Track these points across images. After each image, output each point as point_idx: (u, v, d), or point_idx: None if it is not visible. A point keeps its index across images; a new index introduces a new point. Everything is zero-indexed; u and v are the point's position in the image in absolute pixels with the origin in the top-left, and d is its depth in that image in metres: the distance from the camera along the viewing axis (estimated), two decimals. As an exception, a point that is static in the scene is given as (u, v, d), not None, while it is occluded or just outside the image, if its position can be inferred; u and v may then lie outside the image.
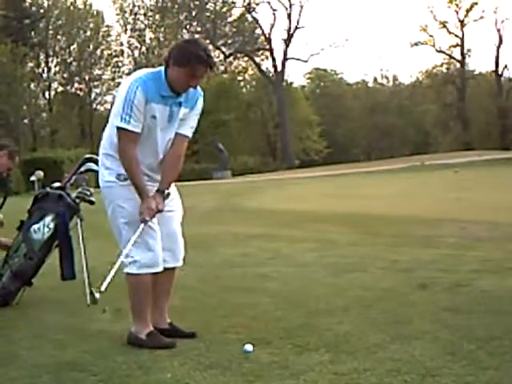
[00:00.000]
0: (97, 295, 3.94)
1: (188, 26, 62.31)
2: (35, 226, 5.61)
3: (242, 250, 8.86)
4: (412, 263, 7.21)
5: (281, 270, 7.20)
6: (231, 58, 63.72)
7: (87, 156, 5.84)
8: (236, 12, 62.68)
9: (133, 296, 4.37)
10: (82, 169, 5.75)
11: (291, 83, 66.79)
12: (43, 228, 5.58)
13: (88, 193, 5.72)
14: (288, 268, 7.32)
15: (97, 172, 5.44)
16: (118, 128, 4.15)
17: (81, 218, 5.71)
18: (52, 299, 5.96)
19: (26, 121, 52.30)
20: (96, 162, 5.71)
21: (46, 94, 57.38)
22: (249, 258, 8.17)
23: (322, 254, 8.04)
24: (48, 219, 5.58)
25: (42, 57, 56.09)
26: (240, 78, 65.77)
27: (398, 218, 12.14)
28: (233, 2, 62.26)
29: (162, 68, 4.25)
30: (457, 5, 64.63)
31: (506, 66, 65.59)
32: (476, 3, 63.87)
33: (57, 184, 5.82)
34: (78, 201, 5.72)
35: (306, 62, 62.56)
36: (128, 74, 59.31)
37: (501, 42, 63.72)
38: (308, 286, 6.28)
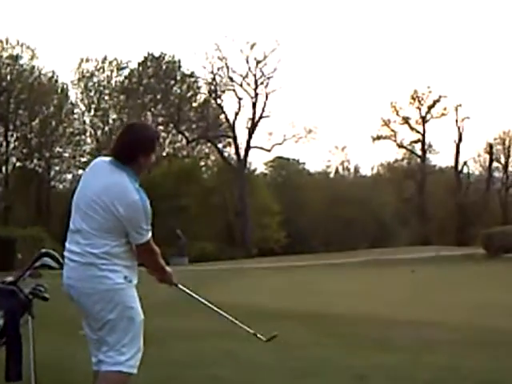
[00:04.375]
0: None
1: (152, 109, 62.75)
2: (-17, 322, 5.40)
3: (195, 347, 8.61)
4: (366, 369, 7.05)
5: (235, 373, 7.00)
6: (194, 143, 64.07)
7: (44, 251, 5.69)
8: (201, 98, 63.55)
9: None
10: (38, 263, 5.61)
11: (254, 170, 67.31)
12: (-9, 324, 5.37)
13: (42, 289, 5.56)
14: (242, 371, 7.11)
15: (52, 268, 5.31)
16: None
17: (32, 316, 5.53)
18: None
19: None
20: (52, 257, 5.60)
21: (3, 168, 56.67)
22: (203, 357, 7.95)
23: (278, 356, 7.81)
24: (-3, 315, 5.38)
25: (1, 130, 55.66)
26: (202, 163, 66.03)
27: (355, 317, 12.03)
28: (198, 88, 63.06)
29: (114, 159, 4.41)
30: (419, 101, 66.31)
31: (465, 163, 67.10)
32: (438, 101, 65.58)
33: (9, 278, 5.65)
34: (30, 297, 5.55)
35: (269, 151, 63.16)
36: (89, 153, 59.47)
37: (460, 139, 65.32)
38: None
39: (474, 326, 10.50)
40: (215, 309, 5.38)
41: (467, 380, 6.45)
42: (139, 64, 61.75)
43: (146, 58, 61.70)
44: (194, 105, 63.35)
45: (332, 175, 76.23)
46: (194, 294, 5.10)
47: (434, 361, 7.50)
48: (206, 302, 5.29)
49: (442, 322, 10.89)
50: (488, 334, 9.72)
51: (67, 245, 4.44)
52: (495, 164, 67.70)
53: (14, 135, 57.01)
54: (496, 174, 69.00)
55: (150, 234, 4.38)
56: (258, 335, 5.71)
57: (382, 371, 6.94)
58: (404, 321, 11.27)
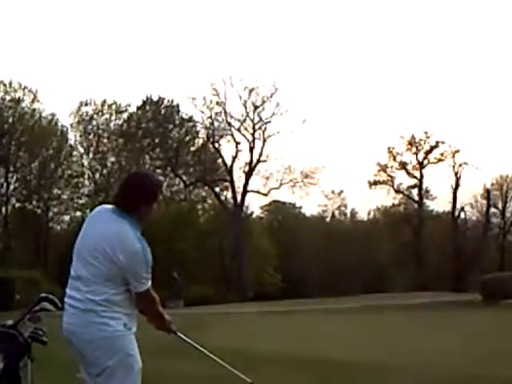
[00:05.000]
0: None
1: (150, 153, 63.02)
2: (-17, 364, 5.49)
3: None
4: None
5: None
6: (191, 187, 64.22)
7: (43, 295, 5.79)
8: (199, 142, 63.83)
9: None
10: (37, 308, 5.70)
11: (250, 214, 67.35)
12: (-9, 367, 5.46)
13: (41, 333, 5.65)
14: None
15: (50, 311, 5.39)
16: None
17: (31, 359, 5.61)
18: None
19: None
20: (51, 301, 5.70)
21: (3, 209, 56.88)
22: None
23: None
24: (-3, 358, 5.47)
25: (2, 171, 55.99)
26: (199, 206, 66.12)
27: (351, 364, 12.03)
28: (196, 132, 63.44)
29: (115, 208, 4.48)
30: (416, 147, 66.59)
31: (462, 209, 67.15)
32: (436, 146, 65.87)
33: (9, 322, 5.74)
34: (30, 340, 5.63)
35: (265, 195, 63.30)
36: (87, 195, 59.65)
37: (458, 184, 65.43)
38: None
39: (473, 376, 10.43)
40: (212, 356, 5.41)
41: None
42: (138, 108, 62.31)
43: (144, 102, 62.24)
44: (192, 149, 63.73)
45: (328, 219, 76.35)
46: (192, 342, 5.14)
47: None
48: (202, 349, 5.32)
49: (436, 366, 10.87)
50: (484, 381, 9.73)
51: (68, 291, 4.51)
52: (492, 209, 67.85)
53: (15, 176, 57.38)
54: (493, 220, 69.10)
55: (149, 282, 4.45)
56: None
57: None
58: (402, 368, 11.23)
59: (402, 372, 10.89)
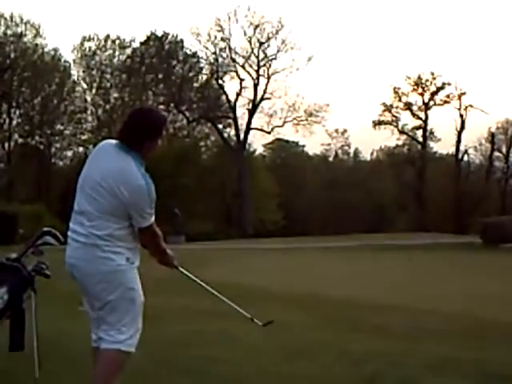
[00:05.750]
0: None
1: (153, 88, 62.64)
2: (-12, 297, 5.58)
3: (191, 326, 8.75)
4: (361, 354, 7.16)
5: (230, 353, 7.14)
6: (194, 124, 64.05)
7: (45, 229, 5.84)
8: (202, 78, 63.41)
9: (114, 375, 4.46)
10: (40, 241, 5.75)
11: (253, 152, 67.25)
12: (-3, 299, 5.56)
13: (44, 266, 5.72)
14: (237, 351, 7.25)
15: (53, 245, 5.45)
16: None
17: (34, 291, 5.69)
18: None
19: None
20: (54, 235, 5.75)
21: (6, 145, 56.88)
22: (198, 336, 8.09)
23: (273, 338, 7.91)
24: (2, 291, 5.55)
25: (4, 107, 55.79)
26: (202, 143, 66.01)
27: (349, 301, 12.17)
28: (200, 68, 62.93)
29: (120, 143, 4.47)
30: (423, 88, 66.04)
31: (466, 151, 66.97)
32: (442, 88, 65.33)
33: (13, 255, 5.80)
34: (33, 274, 5.70)
35: (269, 133, 63.13)
36: (90, 131, 59.57)
37: (463, 127, 65.11)
38: (256, 372, 6.24)
39: (467, 317, 10.55)
40: (213, 291, 5.46)
41: (465, 371, 6.45)
42: (142, 43, 61.57)
43: (148, 38, 61.52)
44: (196, 85, 63.18)
45: (331, 159, 76.19)
46: (193, 277, 5.19)
47: (431, 350, 7.56)
48: (204, 285, 5.37)
49: (440, 311, 10.92)
50: (486, 325, 9.76)
51: (71, 225, 4.54)
52: (496, 153, 67.68)
53: (17, 112, 57.02)
54: (497, 164, 69.00)
55: (153, 217, 4.47)
56: (255, 320, 5.78)
57: (378, 357, 6.98)
58: (402, 307, 11.35)
59: (399, 311, 11.01)
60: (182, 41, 61.97)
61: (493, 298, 13.13)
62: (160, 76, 62.13)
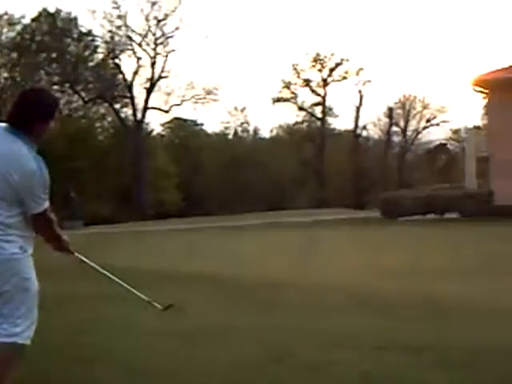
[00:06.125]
0: None
1: (46, 68, 60.92)
2: None
3: (89, 313, 8.33)
4: (269, 333, 7.03)
5: (127, 339, 6.83)
6: (90, 104, 62.77)
7: None
8: (98, 57, 62.17)
9: (8, 369, 4.24)
10: None
11: (151, 132, 66.58)
12: None
13: None
14: (139, 336, 6.94)
15: None
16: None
17: None
18: None
19: None
20: None
21: None
22: (95, 323, 7.70)
23: (174, 321, 7.41)
24: None
25: None
26: (98, 124, 64.85)
27: (255, 280, 12.00)
28: (95, 47, 61.70)
29: (9, 126, 4.19)
30: (321, 64, 66.74)
31: (364, 127, 68.33)
32: (340, 64, 66.29)
33: None
34: None
35: (167, 112, 62.59)
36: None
37: (361, 103, 66.41)
38: (160, 357, 5.98)
39: (371, 289, 10.63)
40: (111, 276, 5.18)
41: (364, 345, 6.42)
42: (33, 20, 59.74)
43: (40, 14, 59.80)
44: (91, 64, 61.98)
45: (231, 137, 76.09)
46: (90, 262, 4.99)
47: (330, 326, 7.46)
48: (101, 270, 5.07)
49: (341, 286, 10.97)
50: (384, 297, 9.79)
51: None
52: (394, 128, 69.30)
53: None
54: (395, 138, 70.70)
55: (47, 203, 4.23)
56: (154, 304, 5.54)
57: (286, 335, 6.86)
58: (304, 284, 11.31)
59: (301, 287, 10.95)
60: (75, 18, 60.85)
61: (393, 271, 13.29)
62: (53, 55, 60.64)
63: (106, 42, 60.25)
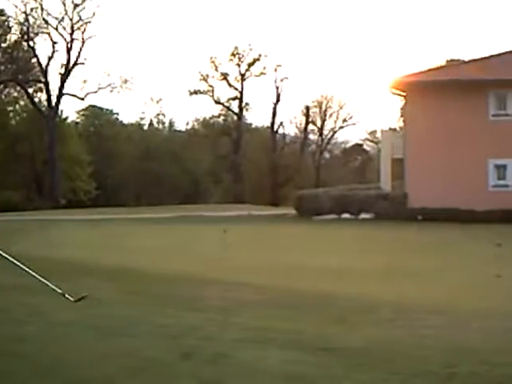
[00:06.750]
0: None
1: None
2: None
3: None
4: (177, 328, 6.95)
5: (39, 330, 6.60)
6: (2, 86, 60.95)
7: None
8: (11, 38, 60.39)
9: None
10: None
11: (65, 119, 65.19)
12: None
13: None
14: (49, 328, 6.72)
15: None
16: None
17: None
18: None
19: None
20: None
21: None
22: (4, 314, 7.36)
23: (86, 313, 7.38)
24: None
25: None
26: (10, 108, 63.07)
27: (164, 274, 11.97)
28: (9, 28, 59.94)
29: None
30: (239, 59, 66.65)
31: (281, 123, 68.55)
32: (258, 59, 66.26)
33: None
34: None
35: (82, 99, 61.44)
36: None
37: (278, 99, 66.54)
38: (69, 351, 5.78)
39: (279, 288, 10.71)
40: (21, 265, 5.07)
41: (274, 341, 6.44)
42: None
43: None
44: (4, 45, 60.07)
45: (146, 128, 75.18)
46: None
47: (242, 321, 7.49)
48: (10, 258, 4.96)
49: (253, 283, 11.01)
50: (292, 295, 9.93)
51: None
52: (311, 127, 69.81)
53: None
54: (311, 137, 71.24)
55: None
56: (67, 295, 5.44)
57: (194, 331, 6.83)
58: (213, 280, 11.32)
59: (213, 284, 10.97)
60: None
61: (299, 268, 13.40)
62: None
63: (20, 24, 58.58)
